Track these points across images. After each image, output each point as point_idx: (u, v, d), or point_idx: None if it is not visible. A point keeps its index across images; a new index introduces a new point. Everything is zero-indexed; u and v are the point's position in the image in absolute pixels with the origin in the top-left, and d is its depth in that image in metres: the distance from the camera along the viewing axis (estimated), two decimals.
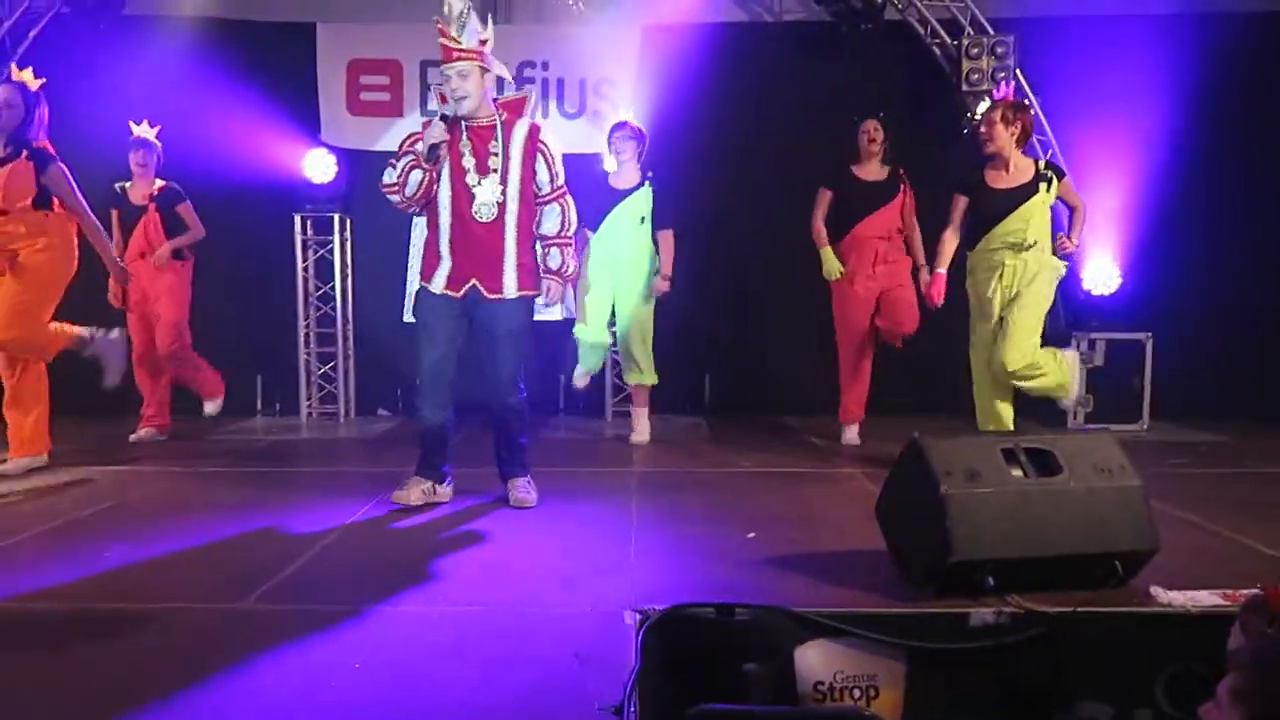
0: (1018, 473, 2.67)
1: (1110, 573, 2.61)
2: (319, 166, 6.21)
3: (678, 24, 6.50)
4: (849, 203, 5.23)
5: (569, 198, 3.74)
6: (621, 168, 5.31)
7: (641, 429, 5.43)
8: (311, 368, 6.52)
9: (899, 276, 5.19)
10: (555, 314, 3.80)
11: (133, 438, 5.39)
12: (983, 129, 4.32)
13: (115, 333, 4.57)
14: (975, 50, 6.03)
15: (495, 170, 3.57)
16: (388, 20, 6.51)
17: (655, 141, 6.33)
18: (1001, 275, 4.28)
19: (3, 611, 2.55)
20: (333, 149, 6.33)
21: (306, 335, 6.47)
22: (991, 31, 6.09)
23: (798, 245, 6.49)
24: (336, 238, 6.42)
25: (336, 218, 6.38)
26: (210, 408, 5.50)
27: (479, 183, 3.56)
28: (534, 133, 3.65)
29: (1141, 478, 2.71)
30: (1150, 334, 5.87)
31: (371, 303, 6.50)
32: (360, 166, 6.38)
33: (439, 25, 3.51)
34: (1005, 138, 4.26)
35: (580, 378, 5.47)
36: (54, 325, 4.34)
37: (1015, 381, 4.33)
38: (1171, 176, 6.05)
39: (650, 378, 5.44)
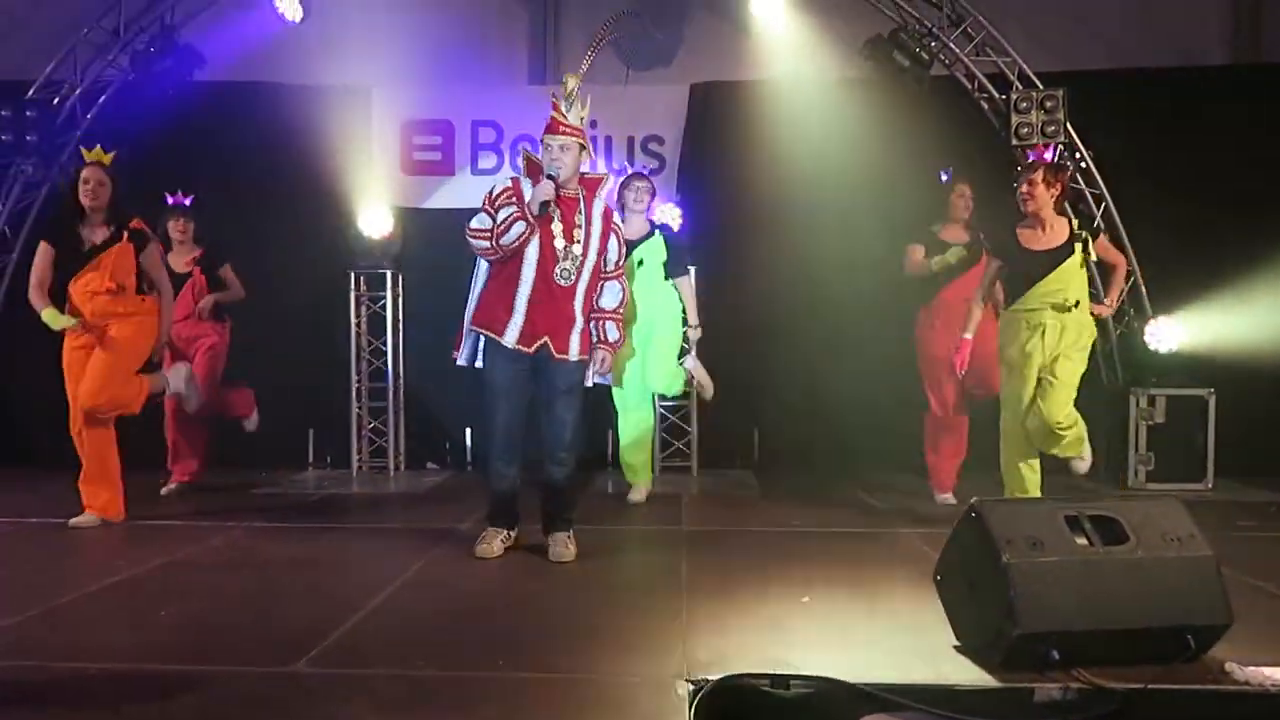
0: (1082, 541, 2.59)
1: (1183, 647, 2.52)
2: (374, 223, 6.33)
3: (724, 81, 6.58)
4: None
5: (624, 278, 4.01)
6: (630, 218, 5.13)
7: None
8: (363, 421, 6.59)
9: (985, 339, 5.14)
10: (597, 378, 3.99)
11: (164, 491, 5.47)
12: (1024, 189, 4.27)
13: (181, 366, 4.90)
14: (1024, 105, 5.99)
15: (579, 241, 3.80)
16: (440, 82, 6.68)
17: (703, 196, 6.41)
18: (1044, 334, 4.24)
19: (60, 672, 2.57)
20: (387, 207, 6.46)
21: (358, 389, 6.56)
22: (1040, 86, 6.06)
23: (846, 297, 6.49)
24: (389, 294, 6.52)
25: (389, 274, 6.49)
26: (250, 425, 5.66)
27: (565, 248, 3.77)
28: (608, 214, 3.93)
29: (1213, 547, 2.62)
30: (1213, 389, 5.72)
31: (422, 358, 6.57)
32: (413, 224, 6.51)
33: (553, 98, 3.77)
34: (1045, 198, 4.25)
35: (637, 494, 5.36)
36: (133, 385, 4.55)
37: (1056, 435, 4.25)
38: (1230, 229, 5.95)
39: (674, 385, 5.38)
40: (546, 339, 3.77)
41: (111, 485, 4.56)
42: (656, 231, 5.27)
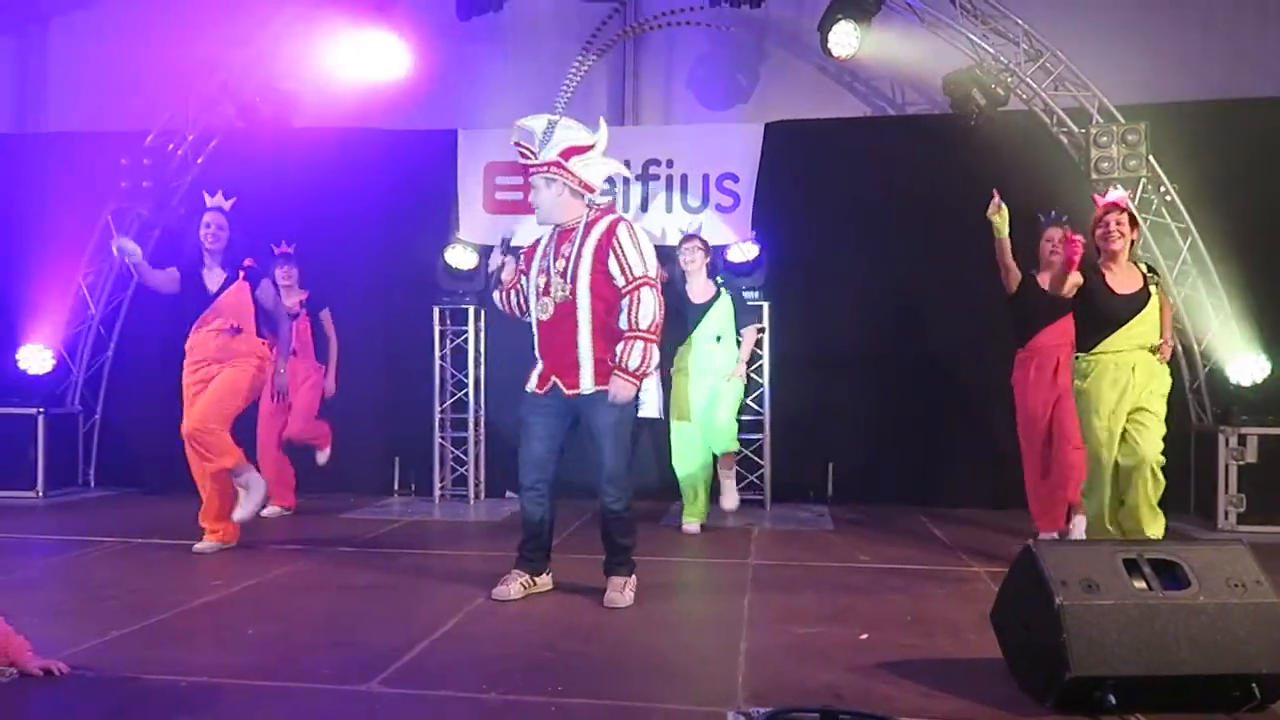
0: (1140, 584, 2.57)
1: (1247, 696, 2.47)
2: (461, 258, 6.57)
3: (800, 120, 6.66)
4: (1030, 310, 5.02)
5: (644, 290, 3.59)
6: (692, 279, 5.38)
7: (730, 495, 5.47)
8: (445, 451, 6.81)
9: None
10: (651, 410, 3.89)
11: (264, 512, 5.75)
12: (1112, 228, 4.25)
13: (258, 497, 4.80)
14: (1104, 139, 5.90)
15: (563, 272, 3.64)
16: None
17: (778, 233, 6.47)
18: (1135, 371, 4.24)
19: (151, 684, 2.76)
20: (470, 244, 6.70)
21: (441, 420, 6.79)
22: (1121, 119, 5.97)
23: (919, 331, 6.46)
24: (471, 328, 6.76)
25: (472, 309, 6.73)
26: (322, 458, 5.99)
27: (546, 284, 3.70)
28: (610, 229, 3.63)
29: None
30: None
31: (502, 389, 6.76)
32: None
33: (519, 144, 3.66)
34: (1127, 240, 4.28)
35: (689, 523, 5.42)
36: (229, 441, 4.69)
37: (1156, 479, 4.20)
38: None
39: (731, 444, 5.42)
40: (555, 378, 3.69)
41: (225, 515, 4.76)
42: (722, 291, 5.40)
